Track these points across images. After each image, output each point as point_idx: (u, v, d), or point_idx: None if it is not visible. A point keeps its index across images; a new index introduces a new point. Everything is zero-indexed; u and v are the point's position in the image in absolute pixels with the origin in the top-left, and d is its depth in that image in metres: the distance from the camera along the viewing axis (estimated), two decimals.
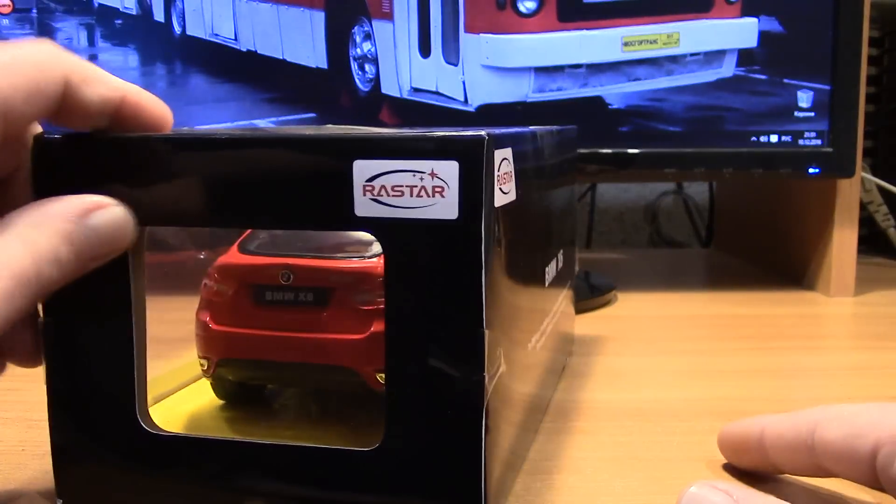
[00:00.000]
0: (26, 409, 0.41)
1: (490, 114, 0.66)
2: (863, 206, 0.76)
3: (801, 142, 0.67)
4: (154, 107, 0.29)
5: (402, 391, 0.27)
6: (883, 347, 0.55)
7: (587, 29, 0.65)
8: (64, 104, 0.26)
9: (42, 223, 0.25)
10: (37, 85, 0.25)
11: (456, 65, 0.66)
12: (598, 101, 0.66)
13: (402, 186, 0.26)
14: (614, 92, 0.66)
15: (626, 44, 0.66)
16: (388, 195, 0.26)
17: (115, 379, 0.29)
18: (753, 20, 0.66)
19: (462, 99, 0.66)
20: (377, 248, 0.33)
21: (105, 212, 0.26)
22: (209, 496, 0.29)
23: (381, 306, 0.30)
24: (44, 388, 0.44)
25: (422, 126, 0.34)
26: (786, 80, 0.67)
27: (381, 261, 0.31)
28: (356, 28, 0.67)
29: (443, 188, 0.26)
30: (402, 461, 0.28)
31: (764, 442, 0.31)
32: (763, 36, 0.66)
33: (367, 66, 0.67)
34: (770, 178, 0.71)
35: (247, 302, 0.34)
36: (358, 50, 0.67)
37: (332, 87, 0.67)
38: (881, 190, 0.83)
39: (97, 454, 0.30)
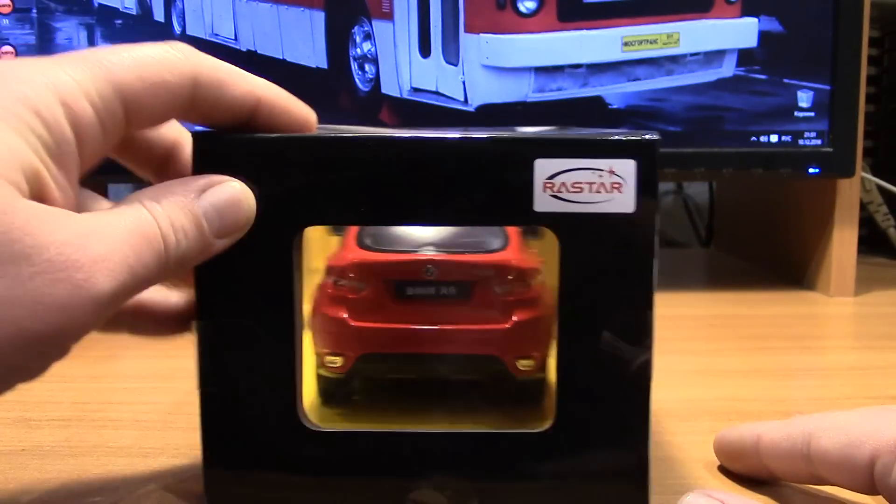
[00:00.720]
0: (26, 409, 0.41)
1: (490, 114, 0.66)
2: (863, 206, 0.76)
3: (801, 142, 0.67)
4: (294, 108, 0.29)
5: (574, 373, 0.29)
6: (883, 347, 0.55)
7: (587, 29, 0.65)
8: (195, 104, 0.27)
9: (164, 196, 0.26)
10: (163, 80, 0.26)
11: (456, 65, 0.66)
12: (598, 101, 0.66)
13: (581, 183, 0.28)
14: (614, 92, 0.66)
15: (626, 44, 0.66)
16: (568, 191, 0.28)
17: (277, 379, 0.29)
18: (753, 20, 0.66)
19: (462, 99, 0.66)
20: (497, 241, 0.36)
21: (222, 187, 0.27)
22: (378, 488, 0.30)
23: (521, 296, 0.34)
24: (44, 388, 0.44)
25: (423, 126, 0.35)
26: (786, 80, 0.67)
27: (511, 253, 0.35)
28: (356, 28, 0.67)
29: (620, 184, 0.28)
30: (572, 439, 0.30)
31: (759, 450, 0.31)
32: (763, 36, 0.66)
33: (366, 66, 0.67)
34: (770, 178, 0.71)
35: (387, 297, 0.35)
36: (358, 50, 0.67)
37: (332, 87, 0.67)
38: (881, 190, 0.83)
39: (256, 457, 0.30)
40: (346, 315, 0.35)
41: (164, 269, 0.25)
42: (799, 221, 0.75)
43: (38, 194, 0.23)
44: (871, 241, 0.88)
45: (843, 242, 0.70)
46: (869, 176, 0.82)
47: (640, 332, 0.29)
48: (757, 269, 0.84)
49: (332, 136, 0.29)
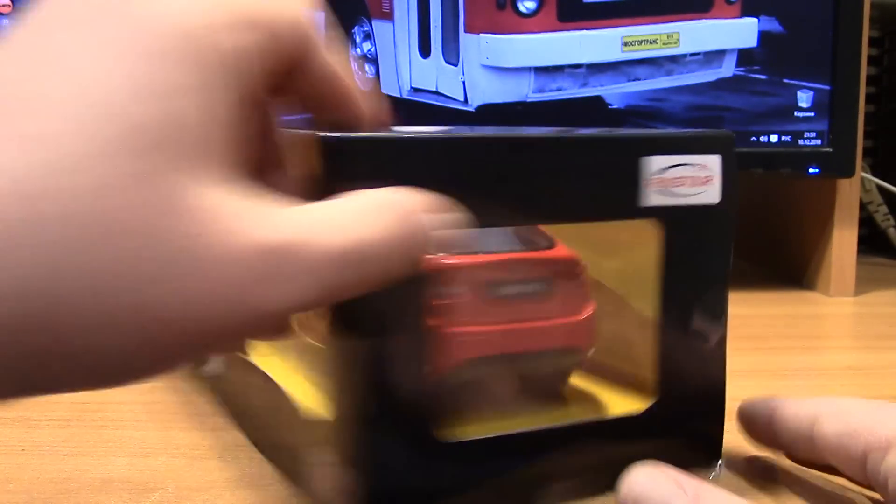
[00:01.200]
0: (26, 409, 0.41)
1: (490, 114, 0.66)
2: (863, 206, 0.76)
3: (800, 142, 0.68)
4: (363, 100, 0.26)
5: (673, 353, 0.32)
6: (883, 347, 0.55)
7: (587, 29, 0.65)
8: (297, 55, 0.23)
9: (371, 211, 0.22)
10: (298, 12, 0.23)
11: (456, 65, 0.66)
12: (598, 101, 0.67)
13: (682, 178, 0.31)
14: (614, 92, 0.67)
15: (626, 44, 0.66)
16: (671, 185, 0.31)
17: (410, 393, 0.28)
18: (753, 20, 0.66)
19: (462, 99, 0.66)
20: (544, 240, 0.36)
21: (443, 216, 0.23)
22: (515, 492, 0.30)
23: (585, 290, 0.36)
24: None
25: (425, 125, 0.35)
26: (786, 80, 0.67)
27: (567, 249, 0.36)
28: (356, 28, 0.67)
29: (710, 178, 0.32)
30: (670, 417, 0.32)
31: (772, 424, 0.32)
32: (763, 36, 0.66)
33: (366, 66, 0.67)
34: (770, 178, 0.71)
35: (478, 300, 0.34)
36: (358, 50, 0.67)
37: None
38: (881, 190, 0.83)
39: (407, 478, 0.28)
40: (438, 321, 0.33)
41: (358, 290, 0.22)
42: (799, 221, 0.75)
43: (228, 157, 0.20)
44: (871, 241, 0.88)
45: (843, 242, 0.70)
46: (869, 176, 0.82)
47: (721, 309, 0.33)
48: (757, 269, 0.84)
49: (461, 136, 0.29)
